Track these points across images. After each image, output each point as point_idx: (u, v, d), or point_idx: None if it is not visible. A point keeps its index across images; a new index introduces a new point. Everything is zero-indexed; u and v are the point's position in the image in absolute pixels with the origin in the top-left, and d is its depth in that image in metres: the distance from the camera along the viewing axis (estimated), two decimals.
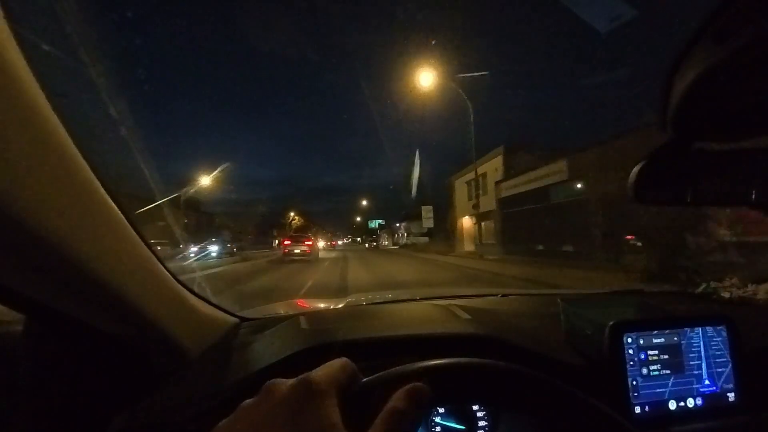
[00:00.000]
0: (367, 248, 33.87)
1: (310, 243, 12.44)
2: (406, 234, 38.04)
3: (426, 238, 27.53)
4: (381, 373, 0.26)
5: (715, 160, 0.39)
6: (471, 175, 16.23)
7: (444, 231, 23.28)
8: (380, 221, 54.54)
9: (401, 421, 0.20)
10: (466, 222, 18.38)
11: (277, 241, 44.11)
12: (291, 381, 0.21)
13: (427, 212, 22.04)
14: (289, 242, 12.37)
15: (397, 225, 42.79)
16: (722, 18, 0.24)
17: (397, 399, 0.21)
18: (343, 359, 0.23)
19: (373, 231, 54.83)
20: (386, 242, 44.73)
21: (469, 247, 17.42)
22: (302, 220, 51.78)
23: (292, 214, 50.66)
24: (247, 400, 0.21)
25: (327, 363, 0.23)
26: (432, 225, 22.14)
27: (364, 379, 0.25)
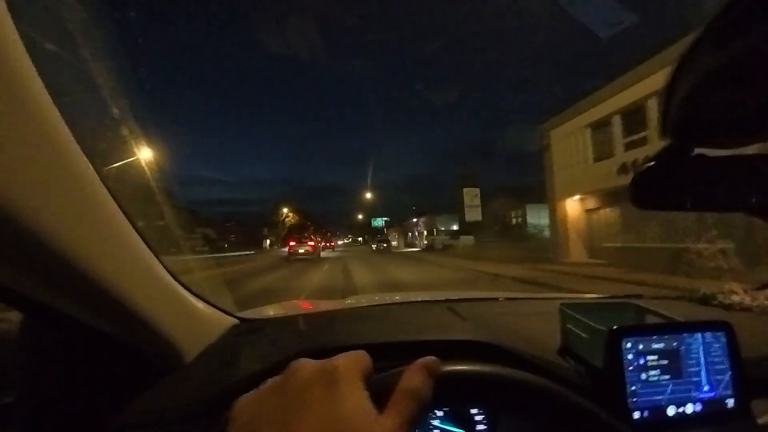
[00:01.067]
0: (374, 250, 26.63)
1: (312, 243, 15.93)
2: (426, 232, 32.28)
3: (470, 237, 20.50)
4: (388, 372, 0.28)
5: (715, 166, 0.43)
6: (608, 107, 8.91)
7: (491, 227, 18.40)
8: (385, 218, 53.59)
9: (417, 398, 0.23)
10: (572, 208, 10.91)
11: (268, 241, 44.83)
12: (318, 363, 0.24)
13: (471, 197, 16.71)
14: (294, 243, 15.82)
15: (414, 220, 37.17)
16: (722, 24, 0.26)
17: (409, 376, 0.25)
18: (362, 351, 0.26)
19: (378, 230, 52.27)
20: (395, 242, 38.84)
21: (577, 254, 10.21)
22: (297, 218, 51.51)
23: (285, 210, 49.42)
24: (273, 378, 0.24)
25: (347, 352, 0.25)
26: (479, 217, 17.17)
27: (375, 376, 0.27)
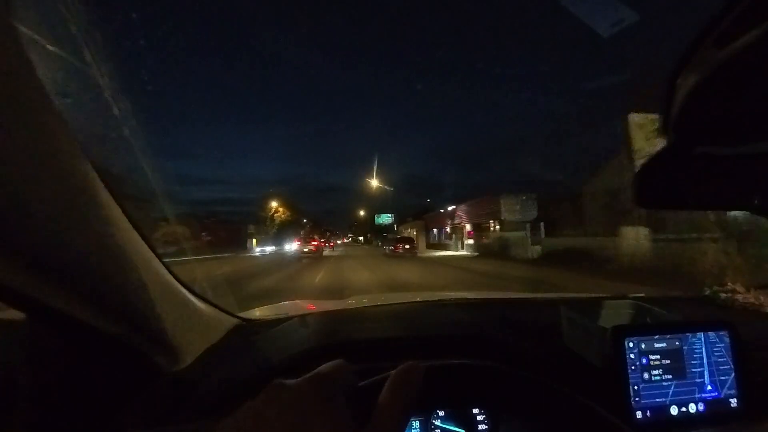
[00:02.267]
0: (389, 254, 21.02)
1: (316, 243, 20.88)
2: (469, 227, 24.08)
3: (641, 230, 9.98)
4: (372, 379, 0.33)
5: (717, 164, 0.49)
6: None
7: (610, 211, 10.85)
8: (391, 215, 50.28)
9: (399, 407, 0.27)
10: None
11: (255, 240, 44.71)
12: (296, 381, 0.27)
13: (646, 133, 9.62)
14: (300, 242, 21.26)
15: (449, 209, 28.27)
16: (724, 21, 0.30)
17: (391, 385, 0.28)
18: (340, 360, 0.30)
19: (383, 228, 50.76)
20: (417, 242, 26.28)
21: None
22: (288, 214, 47.43)
23: (274, 205, 46.39)
24: (253, 400, 0.27)
25: (325, 365, 0.29)
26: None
27: (362, 382, 0.32)
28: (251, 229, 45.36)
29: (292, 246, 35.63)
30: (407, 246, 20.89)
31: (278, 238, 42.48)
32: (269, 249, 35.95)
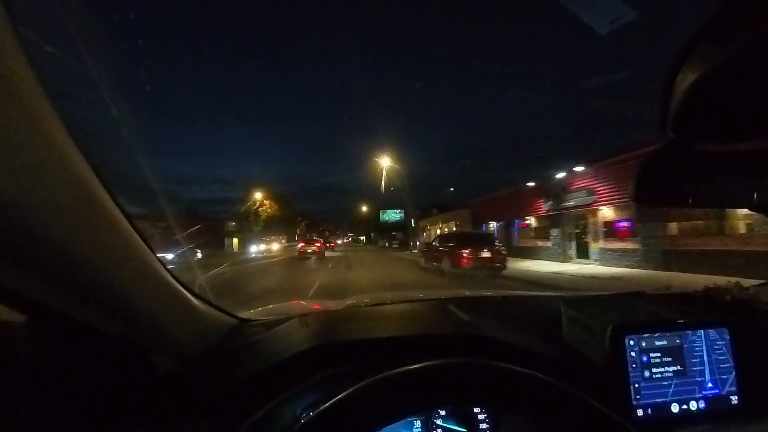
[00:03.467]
0: (444, 269, 10.73)
1: (318, 244, 24.62)
2: (611, 214, 10.97)
3: None
4: (383, 374, 0.38)
5: (716, 162, 0.56)
6: None
7: None
8: (400, 210, 45.61)
9: None
10: None
11: (236, 240, 38.52)
12: None
13: None
14: (303, 244, 24.65)
15: (558, 176, 13.89)
16: (722, 20, 0.34)
17: None
18: None
19: (391, 226, 48.81)
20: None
21: None
22: (276, 208, 44.88)
23: (258, 197, 43.65)
24: None
25: None
26: None
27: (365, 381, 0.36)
28: (231, 226, 43.87)
29: (260, 247, 32.88)
30: (485, 254, 10.73)
31: (263, 236, 40.61)
32: (170, 256, 21.05)
